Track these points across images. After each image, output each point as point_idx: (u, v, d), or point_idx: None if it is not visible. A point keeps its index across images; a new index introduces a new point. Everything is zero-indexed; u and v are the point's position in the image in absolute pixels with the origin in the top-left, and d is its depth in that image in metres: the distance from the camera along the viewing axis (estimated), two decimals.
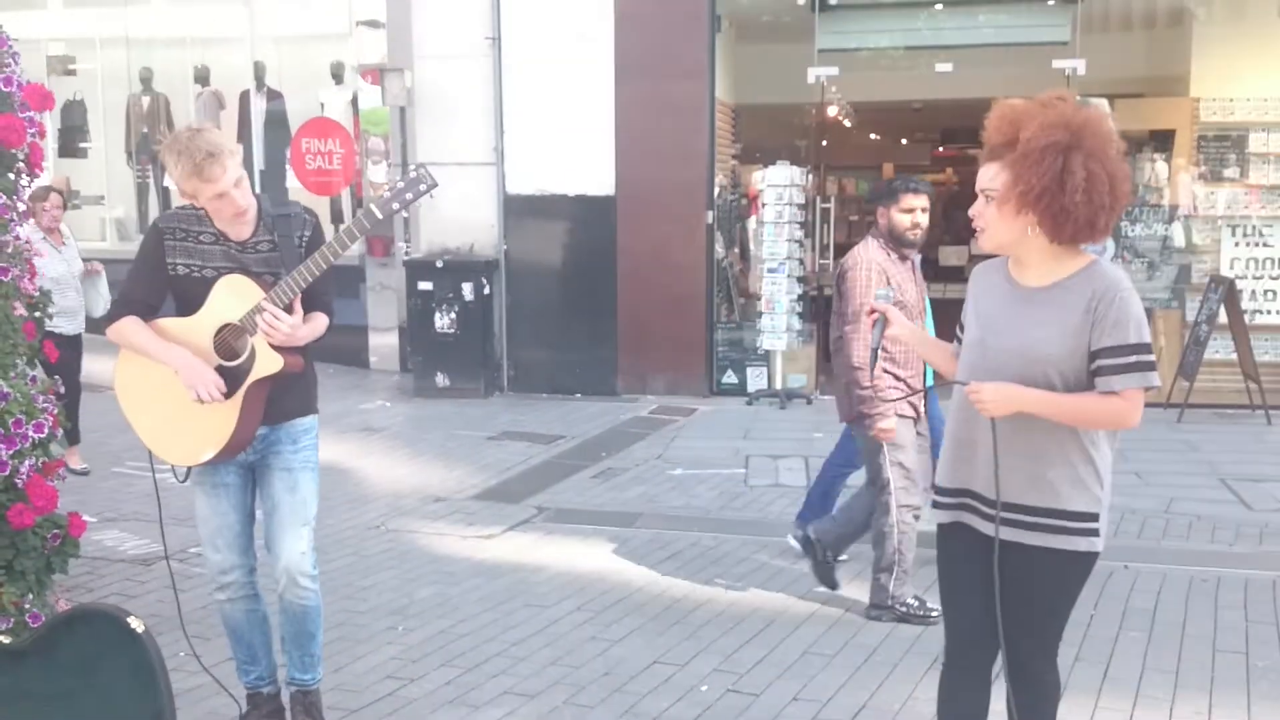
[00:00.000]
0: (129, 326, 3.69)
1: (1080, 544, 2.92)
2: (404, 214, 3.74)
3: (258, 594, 3.92)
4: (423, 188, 3.61)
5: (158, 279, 3.70)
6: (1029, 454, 2.90)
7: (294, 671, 3.96)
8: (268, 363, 3.59)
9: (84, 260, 7.88)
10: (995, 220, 2.92)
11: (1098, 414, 2.86)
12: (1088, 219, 2.81)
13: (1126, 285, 2.87)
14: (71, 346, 7.39)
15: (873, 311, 3.27)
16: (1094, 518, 2.93)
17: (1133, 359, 2.82)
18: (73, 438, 7.37)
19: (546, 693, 4.34)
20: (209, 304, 3.63)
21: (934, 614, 4.85)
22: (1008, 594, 2.99)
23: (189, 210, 3.71)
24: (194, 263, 3.67)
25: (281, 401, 3.73)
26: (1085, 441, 2.92)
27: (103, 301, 7.84)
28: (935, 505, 3.14)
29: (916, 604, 5.00)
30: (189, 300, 3.68)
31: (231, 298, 3.60)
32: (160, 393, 3.67)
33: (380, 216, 3.62)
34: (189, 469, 3.75)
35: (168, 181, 13.61)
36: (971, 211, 2.99)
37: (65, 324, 7.22)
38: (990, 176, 2.92)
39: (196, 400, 3.59)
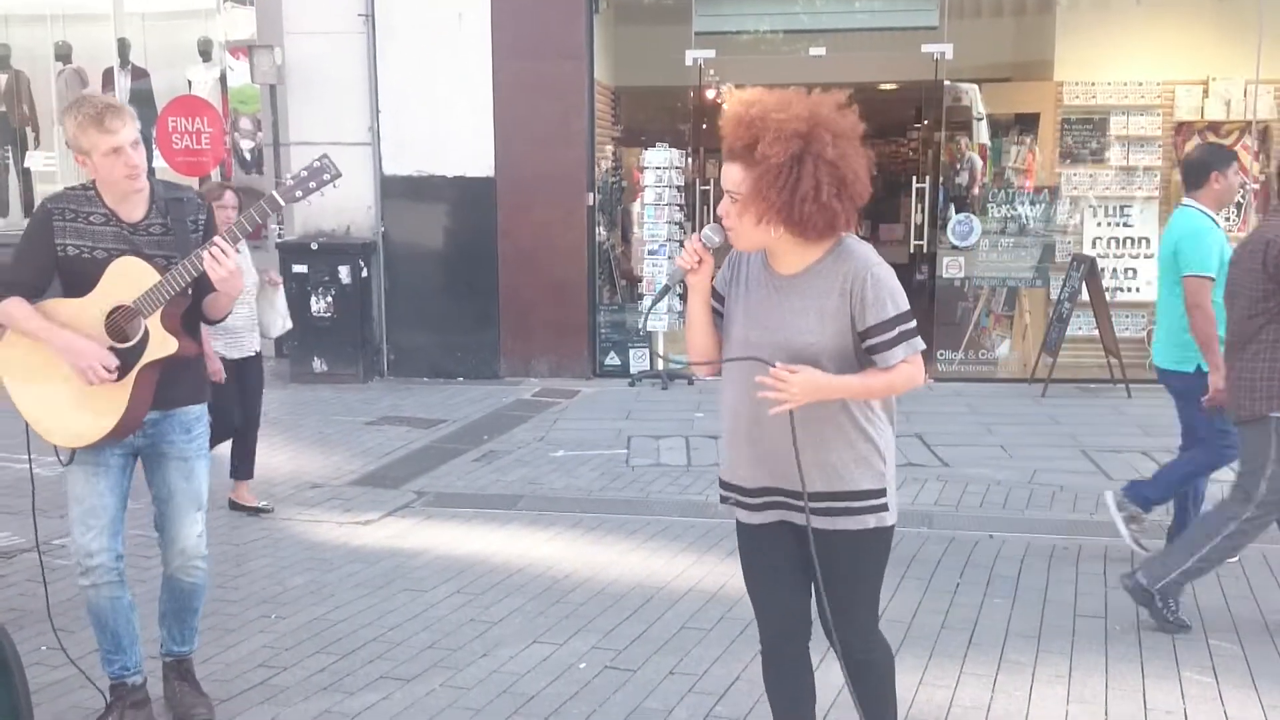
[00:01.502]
0: (14, 308, 3.63)
1: (869, 521, 2.96)
2: (308, 201, 3.74)
3: (123, 581, 3.84)
4: (326, 177, 3.63)
5: (45, 260, 3.65)
6: (810, 441, 2.91)
7: (171, 645, 4.00)
8: (162, 345, 3.59)
9: (258, 270, 6.48)
10: (739, 224, 2.90)
11: (889, 385, 2.90)
12: (827, 223, 2.83)
13: (875, 259, 2.91)
14: (245, 372, 6.21)
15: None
16: (881, 494, 2.97)
17: (897, 331, 2.86)
18: (244, 472, 6.42)
19: (423, 676, 4.31)
20: (101, 285, 3.60)
21: (1185, 626, 4.69)
22: (819, 579, 3.02)
23: (79, 190, 3.69)
24: (84, 243, 3.63)
25: (173, 388, 3.72)
26: (863, 420, 2.95)
27: (280, 320, 6.59)
28: (741, 506, 3.10)
29: (1177, 608, 4.76)
30: (79, 281, 3.64)
31: (124, 280, 3.58)
32: (46, 373, 3.65)
33: (282, 204, 3.62)
34: (73, 451, 3.69)
35: (29, 162, 13.13)
36: (720, 210, 2.95)
37: (231, 348, 6.07)
38: (735, 180, 2.86)
39: (86, 383, 3.56)
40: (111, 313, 3.61)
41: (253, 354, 6.27)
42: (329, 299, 9.88)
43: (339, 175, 3.66)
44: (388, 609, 4.98)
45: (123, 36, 12.34)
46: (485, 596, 5.14)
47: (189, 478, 3.83)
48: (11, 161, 13.29)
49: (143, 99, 12.21)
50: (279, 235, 10.30)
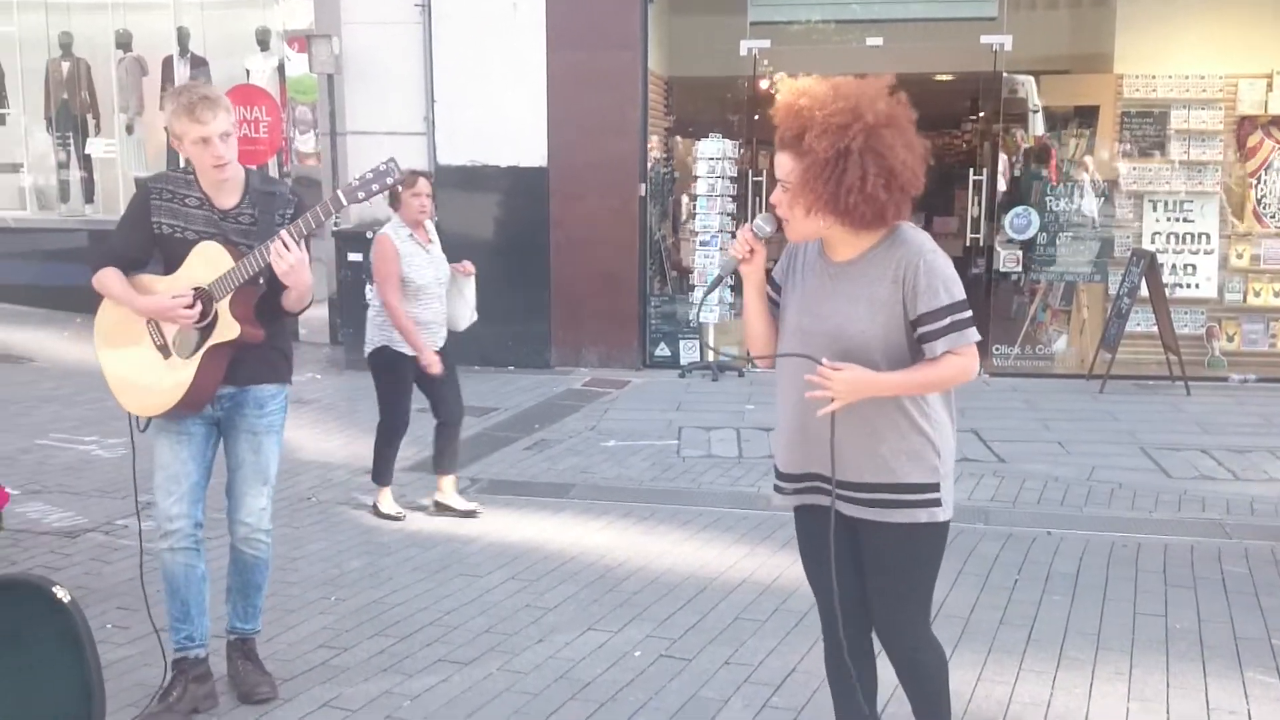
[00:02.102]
0: (109, 277, 3.84)
1: (920, 515, 2.92)
2: (370, 202, 3.87)
3: (200, 550, 3.95)
4: (389, 179, 3.73)
5: (142, 235, 3.84)
6: (862, 431, 2.90)
7: (235, 621, 4.09)
8: (226, 330, 3.74)
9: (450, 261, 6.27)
10: (790, 214, 2.88)
11: (940, 378, 2.87)
12: (875, 214, 2.80)
13: (930, 246, 2.88)
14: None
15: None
16: (933, 488, 2.93)
17: (949, 320, 2.83)
18: (447, 465, 6.20)
19: (480, 660, 4.34)
20: (185, 265, 3.78)
21: None
22: (866, 571, 3.03)
23: (179, 173, 3.87)
24: (177, 224, 3.80)
25: (247, 365, 3.87)
26: (916, 414, 2.92)
27: (468, 312, 6.36)
28: (780, 491, 3.11)
29: None
30: (172, 259, 3.82)
31: (205, 264, 3.74)
32: (130, 344, 3.87)
33: (345, 204, 3.74)
34: (149, 419, 3.89)
35: (90, 148, 13.34)
36: (772, 199, 2.93)
37: (426, 339, 5.92)
38: (785, 167, 2.86)
39: (180, 329, 3.76)
40: (190, 305, 3.74)
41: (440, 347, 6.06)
42: None
43: (402, 178, 3.86)
44: (444, 594, 5.02)
45: (182, 25, 12.50)
46: (540, 583, 5.16)
47: (257, 451, 3.96)
48: (72, 148, 13.50)
49: None
50: (335, 224, 10.37)
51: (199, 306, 3.71)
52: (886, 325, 2.86)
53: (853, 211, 2.78)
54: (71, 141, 13.45)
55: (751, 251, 2.96)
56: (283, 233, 3.64)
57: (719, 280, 3.26)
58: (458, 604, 4.90)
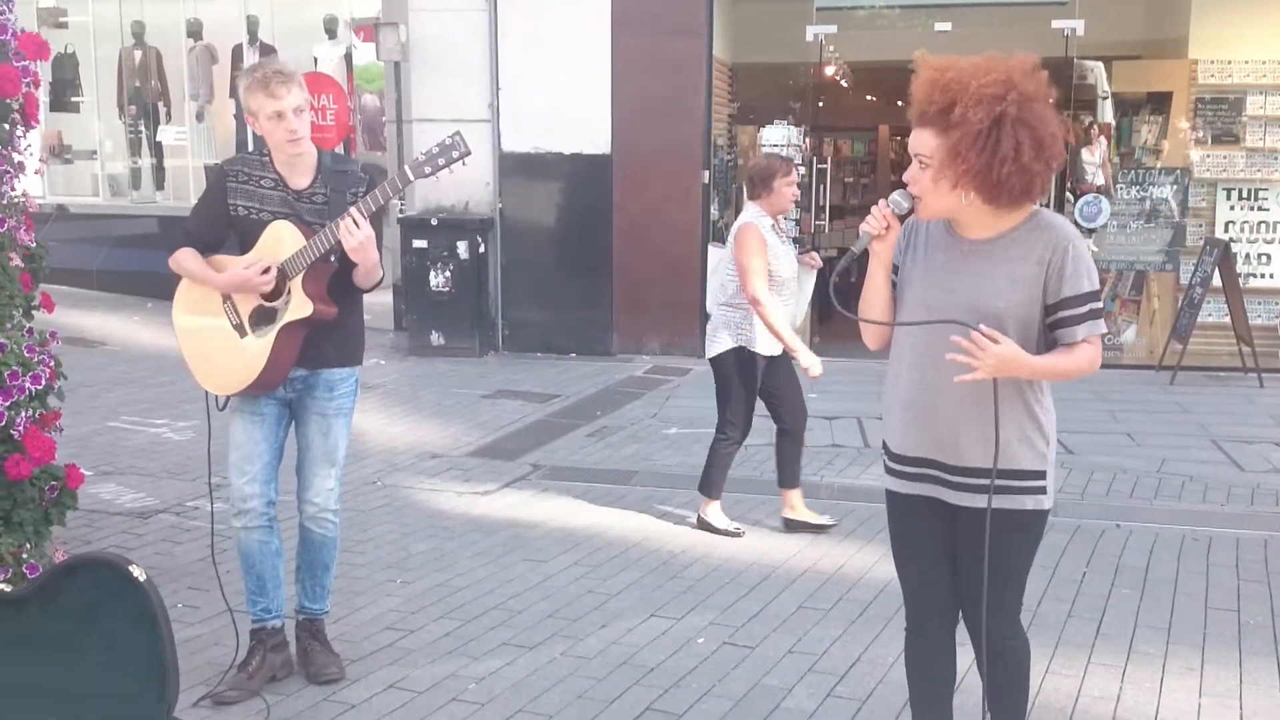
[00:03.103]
0: (186, 256, 3.91)
1: (1028, 503, 2.91)
2: (437, 178, 3.86)
3: (273, 527, 4.03)
4: (455, 154, 3.75)
5: (218, 216, 3.91)
6: (978, 415, 2.86)
7: (304, 600, 4.13)
8: (300, 307, 3.77)
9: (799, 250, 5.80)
10: (931, 191, 2.84)
11: (1073, 366, 2.84)
12: (1023, 187, 2.78)
13: (1075, 233, 2.87)
14: (776, 369, 5.59)
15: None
16: (1042, 475, 2.92)
17: (1088, 308, 2.83)
18: (793, 477, 5.72)
19: (545, 644, 4.37)
20: (258, 246, 3.83)
21: None
22: (963, 559, 3.00)
23: (254, 155, 3.93)
24: (253, 204, 3.86)
25: (321, 348, 3.90)
26: (1031, 400, 2.90)
27: (803, 308, 5.89)
28: (893, 474, 3.06)
29: None
30: (247, 240, 3.89)
31: (277, 242, 3.79)
32: (208, 323, 3.92)
33: (412, 178, 3.76)
34: (227, 398, 3.94)
35: (161, 135, 13.57)
36: (906, 177, 2.89)
37: (767, 343, 5.47)
38: (925, 144, 2.82)
39: (256, 308, 3.81)
40: (265, 271, 3.79)
41: (779, 351, 5.55)
42: (447, 274, 10.02)
43: (469, 153, 3.79)
44: (508, 578, 5.06)
45: (251, 14, 12.65)
46: (602, 569, 5.18)
47: (326, 434, 4.01)
48: (144, 135, 13.74)
49: None
50: (400, 210, 10.48)
51: (273, 272, 3.75)
52: (1024, 303, 2.83)
53: (1005, 183, 2.75)
54: (143, 129, 13.69)
55: (888, 228, 2.92)
56: (352, 209, 3.67)
57: (853, 256, 3.08)
58: (522, 588, 4.94)
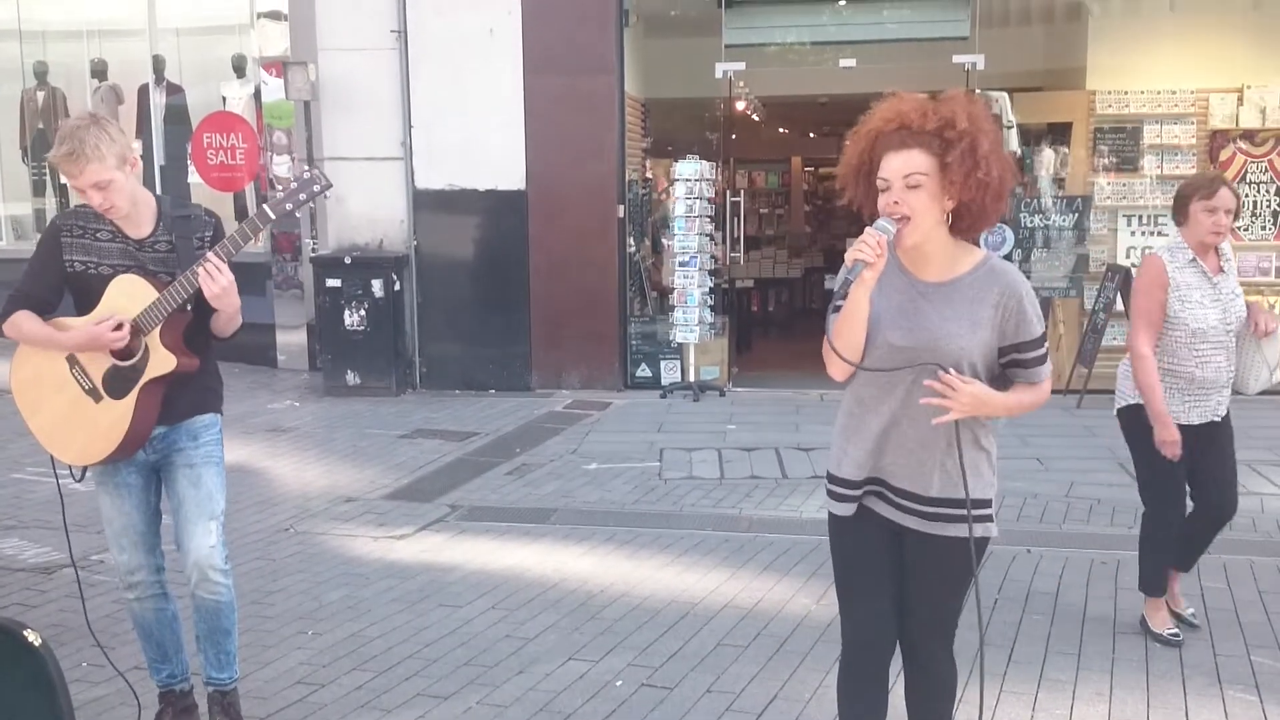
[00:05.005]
0: (24, 319, 3.68)
1: (979, 530, 3.00)
2: (298, 214, 3.78)
3: (166, 593, 3.91)
4: (316, 188, 3.67)
5: (54, 276, 3.70)
6: (939, 445, 2.96)
7: (210, 671, 3.94)
8: (161, 363, 3.61)
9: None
10: (925, 211, 2.86)
11: (1033, 401, 3.01)
12: (994, 210, 2.92)
13: (1025, 281, 3.00)
14: (1213, 438, 4.66)
15: None
16: (988, 504, 3.03)
17: (1041, 351, 2.98)
18: (1188, 561, 4.95)
19: (460, 694, 4.31)
20: (103, 302, 3.62)
21: None
22: (908, 585, 3.08)
23: (88, 208, 3.67)
24: (91, 259, 3.66)
25: (179, 402, 3.73)
26: (980, 432, 3.02)
27: (1267, 372, 4.62)
28: (840, 499, 3.08)
29: None
30: (86, 297, 3.67)
31: (124, 297, 3.60)
32: (55, 391, 3.70)
33: (273, 217, 3.66)
34: (84, 468, 3.75)
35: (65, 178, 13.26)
36: (891, 202, 2.87)
37: (1196, 411, 4.58)
38: (917, 163, 2.84)
39: (109, 369, 3.61)
40: (118, 327, 3.59)
41: (1218, 418, 4.65)
42: (362, 312, 9.93)
43: (329, 185, 3.73)
44: (423, 625, 5.00)
45: (158, 53, 12.46)
46: (520, 612, 5.14)
47: (196, 484, 3.78)
48: (48, 178, 13.45)
49: (177, 115, 12.34)
50: (313, 250, 10.36)
51: (127, 329, 3.56)
52: (983, 344, 2.93)
53: (986, 210, 2.89)
54: (47, 171, 13.38)
55: (879, 255, 2.90)
56: (210, 254, 3.52)
57: (848, 283, 2.98)
58: (437, 635, 4.88)
